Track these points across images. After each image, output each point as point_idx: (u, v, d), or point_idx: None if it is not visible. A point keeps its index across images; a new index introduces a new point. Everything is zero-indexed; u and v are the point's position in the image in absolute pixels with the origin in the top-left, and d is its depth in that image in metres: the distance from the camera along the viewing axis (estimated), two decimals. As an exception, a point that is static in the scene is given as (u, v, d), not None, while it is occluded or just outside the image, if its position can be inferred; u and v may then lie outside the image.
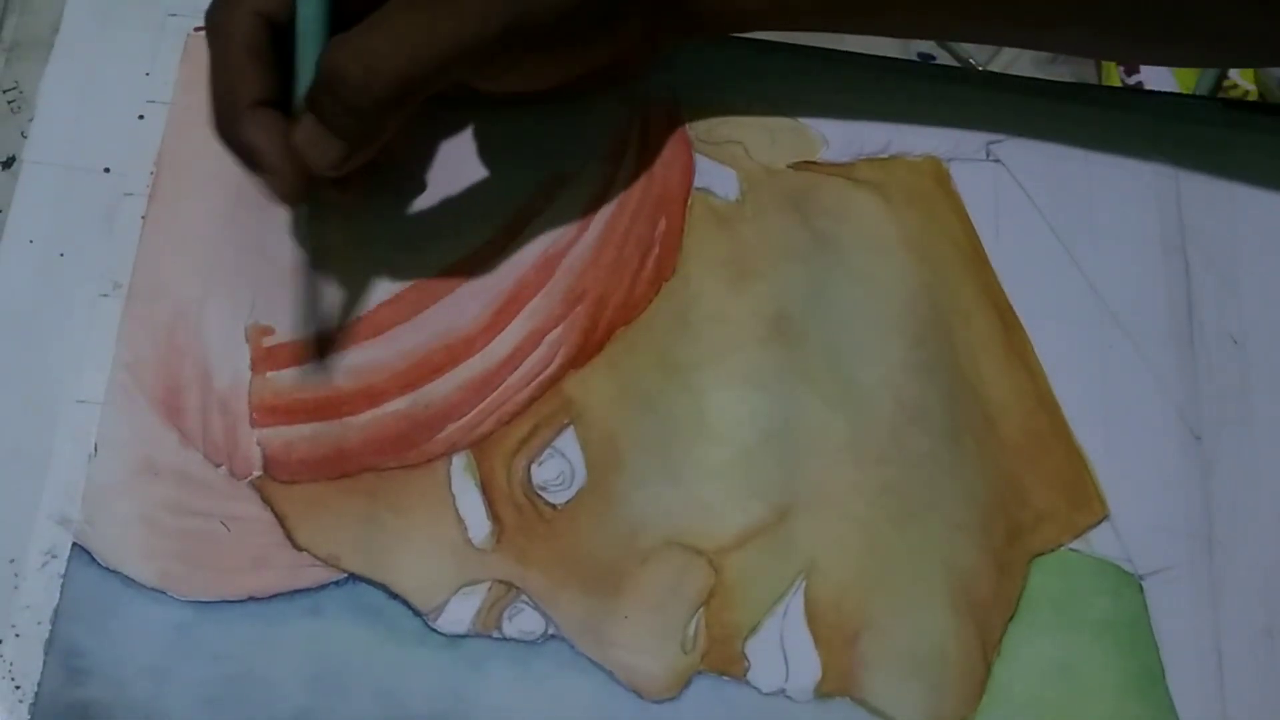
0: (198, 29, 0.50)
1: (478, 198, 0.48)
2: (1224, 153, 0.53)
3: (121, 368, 0.44)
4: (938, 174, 0.51)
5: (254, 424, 0.44)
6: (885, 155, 0.51)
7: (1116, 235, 0.52)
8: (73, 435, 0.43)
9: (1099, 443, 0.48)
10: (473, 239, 0.47)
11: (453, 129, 0.48)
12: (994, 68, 0.62)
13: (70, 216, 0.46)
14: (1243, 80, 0.61)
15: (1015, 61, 0.62)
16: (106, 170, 0.47)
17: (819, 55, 0.52)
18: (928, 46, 0.63)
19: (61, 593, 0.41)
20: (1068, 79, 0.61)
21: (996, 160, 0.52)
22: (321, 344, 0.45)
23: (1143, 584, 0.46)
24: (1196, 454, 0.49)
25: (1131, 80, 0.61)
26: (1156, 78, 0.61)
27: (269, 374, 0.44)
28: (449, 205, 0.48)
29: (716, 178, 0.50)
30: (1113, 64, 0.61)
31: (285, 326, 0.45)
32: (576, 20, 0.42)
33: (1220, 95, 0.61)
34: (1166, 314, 0.51)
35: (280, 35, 0.41)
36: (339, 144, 0.40)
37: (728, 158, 0.50)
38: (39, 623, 0.41)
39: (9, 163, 0.47)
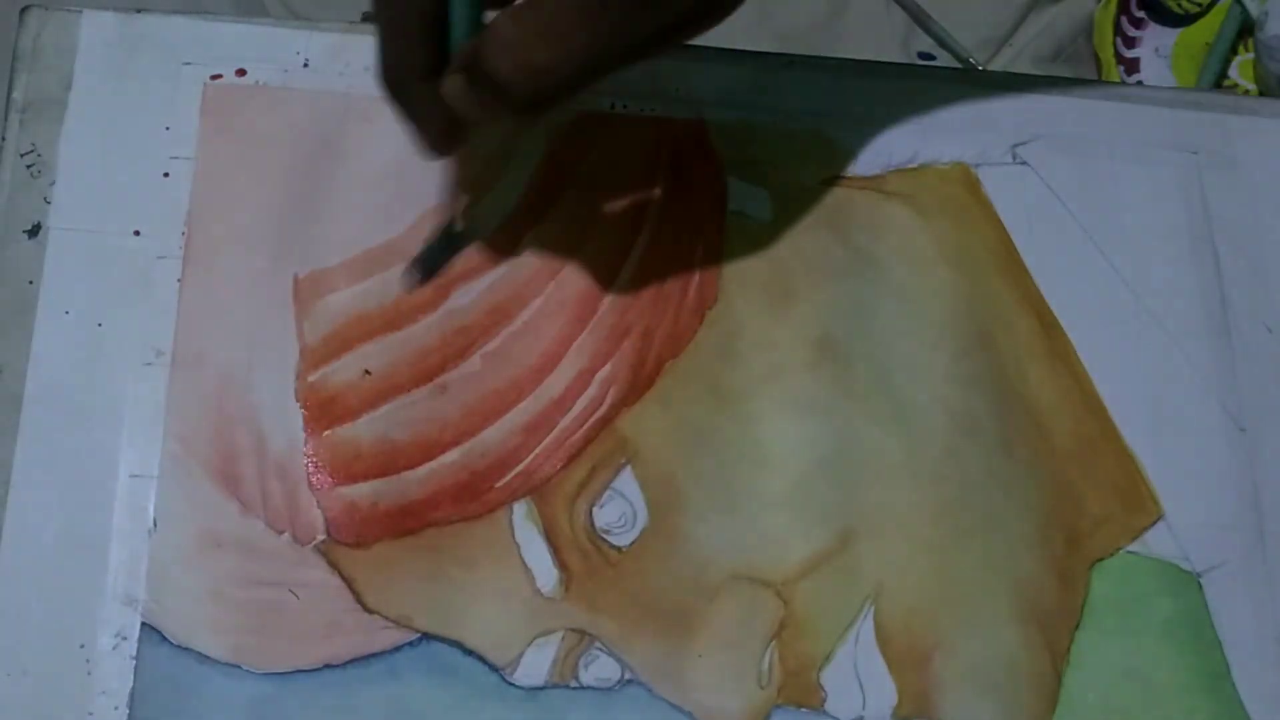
0: (214, 77, 0.49)
1: (515, 239, 0.47)
2: (1241, 141, 0.53)
3: (173, 438, 0.43)
4: (967, 180, 0.51)
5: (313, 487, 0.43)
6: (914, 165, 0.51)
7: (1145, 230, 0.52)
8: (130, 511, 0.42)
9: (1147, 442, 0.48)
10: (512, 280, 0.47)
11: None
12: (994, 67, 0.62)
13: (104, 284, 0.45)
14: (1243, 79, 0.61)
15: (1015, 61, 0.62)
16: (136, 233, 0.46)
17: (835, 65, 0.52)
18: (927, 45, 0.63)
19: (135, 675, 0.41)
20: (1067, 75, 0.61)
21: (1023, 163, 0.52)
22: (371, 397, 0.45)
23: (1201, 581, 0.47)
24: (1242, 446, 0.49)
25: (1132, 80, 0.61)
26: (1156, 79, 0.61)
27: (324, 433, 0.44)
28: (487, 248, 0.47)
29: (749, 199, 0.50)
30: (1113, 63, 0.61)
31: (334, 380, 0.45)
32: None
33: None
34: (1200, 306, 0.51)
35: None
36: (487, 114, 0.39)
37: (758, 177, 0.50)
38: (116, 708, 0.40)
39: (35, 230, 0.46)
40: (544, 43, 0.37)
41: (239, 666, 0.41)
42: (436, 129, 0.41)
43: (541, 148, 0.49)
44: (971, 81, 0.53)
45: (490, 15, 0.39)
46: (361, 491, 0.43)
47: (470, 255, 0.47)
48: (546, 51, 0.37)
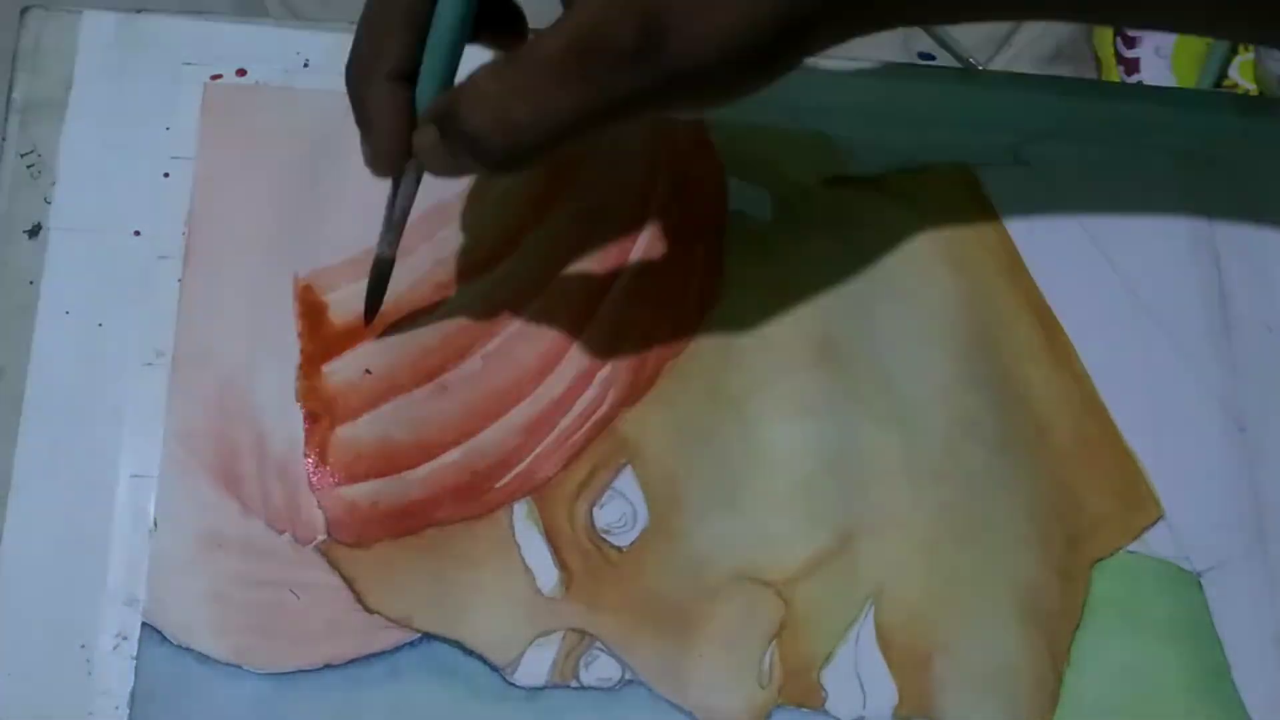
0: (214, 77, 0.49)
1: (515, 239, 0.47)
2: (1243, 141, 0.54)
3: (174, 439, 0.43)
4: (968, 181, 0.51)
5: (313, 487, 0.43)
6: (914, 165, 0.51)
7: (1145, 230, 0.52)
8: (130, 511, 0.42)
9: (1148, 442, 0.48)
10: (513, 280, 0.47)
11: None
12: (995, 66, 0.62)
13: (105, 284, 0.45)
14: (1243, 79, 0.61)
15: (1015, 60, 0.62)
16: (137, 233, 0.46)
17: (835, 65, 0.52)
18: (927, 45, 0.63)
19: (135, 675, 0.41)
20: (1067, 75, 0.61)
21: (1025, 163, 0.52)
22: (371, 396, 0.45)
23: (1201, 581, 0.47)
24: (1242, 446, 0.49)
25: (1132, 80, 0.61)
26: (1156, 79, 0.61)
27: (325, 433, 0.44)
28: (487, 248, 0.47)
29: (750, 199, 0.50)
30: (1113, 63, 0.61)
31: (334, 380, 0.45)
32: (754, 53, 0.36)
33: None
34: (1201, 307, 0.51)
35: None
36: (457, 167, 0.39)
37: (759, 178, 0.50)
38: (116, 708, 0.40)
39: (35, 231, 0.46)
40: (523, 100, 0.36)
41: (239, 666, 0.41)
42: (386, 142, 0.40)
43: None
44: (971, 81, 0.53)
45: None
46: (362, 491, 0.43)
47: (471, 255, 0.47)
48: (525, 109, 0.36)
